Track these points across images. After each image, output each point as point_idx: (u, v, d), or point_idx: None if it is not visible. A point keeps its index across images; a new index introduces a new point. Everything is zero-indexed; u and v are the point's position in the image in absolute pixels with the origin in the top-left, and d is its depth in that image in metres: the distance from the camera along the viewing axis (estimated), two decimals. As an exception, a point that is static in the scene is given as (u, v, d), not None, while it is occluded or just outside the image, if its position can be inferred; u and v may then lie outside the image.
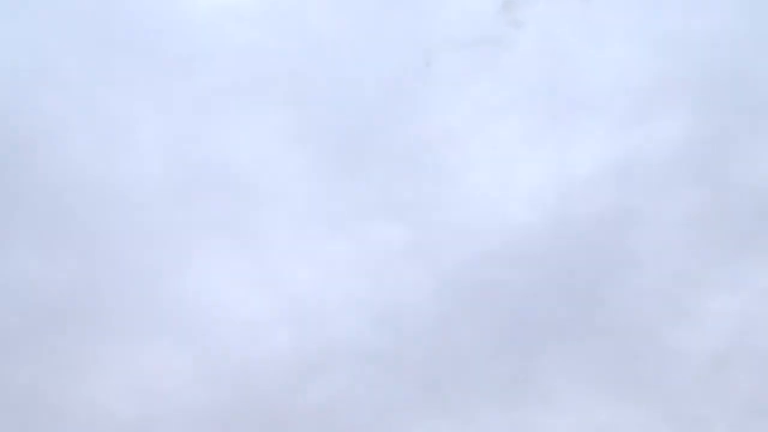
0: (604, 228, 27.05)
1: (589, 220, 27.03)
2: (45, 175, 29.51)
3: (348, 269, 28.22)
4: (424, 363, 28.57)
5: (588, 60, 23.13)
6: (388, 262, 28.70)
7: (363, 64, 26.19)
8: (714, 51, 21.57)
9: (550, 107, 26.12)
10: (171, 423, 27.17)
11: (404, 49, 25.72)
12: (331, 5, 24.67)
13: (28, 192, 28.51)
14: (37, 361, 26.73)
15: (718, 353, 26.80)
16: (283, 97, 29.39)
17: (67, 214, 28.26)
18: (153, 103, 30.30)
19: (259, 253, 28.14)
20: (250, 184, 29.32)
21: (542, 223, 26.79)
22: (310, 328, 27.51)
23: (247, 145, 30.02)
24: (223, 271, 28.03)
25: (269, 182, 28.80)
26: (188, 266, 28.77)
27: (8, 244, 27.98)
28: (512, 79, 25.54)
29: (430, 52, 24.18)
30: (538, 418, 28.41)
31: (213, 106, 30.61)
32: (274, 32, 25.55)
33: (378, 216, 27.55)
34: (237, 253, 28.67)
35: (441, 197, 28.52)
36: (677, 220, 25.23)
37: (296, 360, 27.61)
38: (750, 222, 22.73)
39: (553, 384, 27.65)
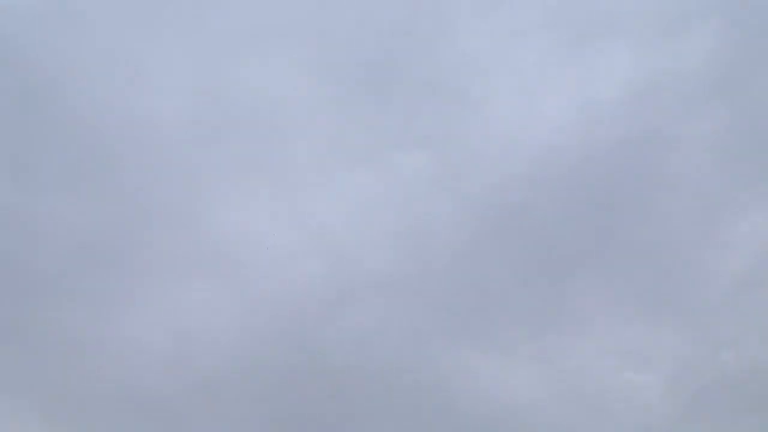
0: (630, 150, 26.24)
1: (615, 142, 26.13)
2: (74, 117, 29.05)
3: (374, 200, 27.86)
4: (453, 291, 28.04)
5: (611, -19, 21.83)
6: (413, 192, 28.13)
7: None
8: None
9: (572, 31, 25.17)
10: (207, 356, 27.12)
11: (425, -22, 24.46)
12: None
13: (59, 135, 28.24)
14: (75, 301, 26.87)
15: (747, 273, 26.08)
16: (305, 32, 28.55)
17: (96, 155, 28.03)
18: (178, 42, 29.53)
19: (287, 188, 27.75)
20: (275, 120, 28.69)
21: (568, 147, 25.98)
22: (340, 259, 27.39)
23: (271, 82, 29.35)
24: (253, 206, 27.68)
25: (294, 117, 28.19)
26: (219, 203, 28.27)
27: (41, 188, 27.83)
28: (534, 2, 24.67)
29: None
30: (569, 343, 27.80)
31: (236, 44, 29.72)
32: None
33: (402, 146, 27.01)
34: (265, 188, 28.23)
35: (465, 125, 27.74)
36: (704, 140, 24.54)
37: (327, 290, 27.51)
38: (778, 140, 21.58)
39: (583, 308, 27.07)
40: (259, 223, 29.85)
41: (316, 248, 30.60)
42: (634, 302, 27.12)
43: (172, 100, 31.13)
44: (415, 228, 31.36)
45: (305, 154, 31.44)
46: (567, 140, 25.51)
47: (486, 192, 31.01)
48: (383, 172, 32.11)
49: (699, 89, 26.10)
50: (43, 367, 27.84)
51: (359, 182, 31.87)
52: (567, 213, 27.14)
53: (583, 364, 28.24)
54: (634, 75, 25.23)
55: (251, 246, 30.27)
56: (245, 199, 29.63)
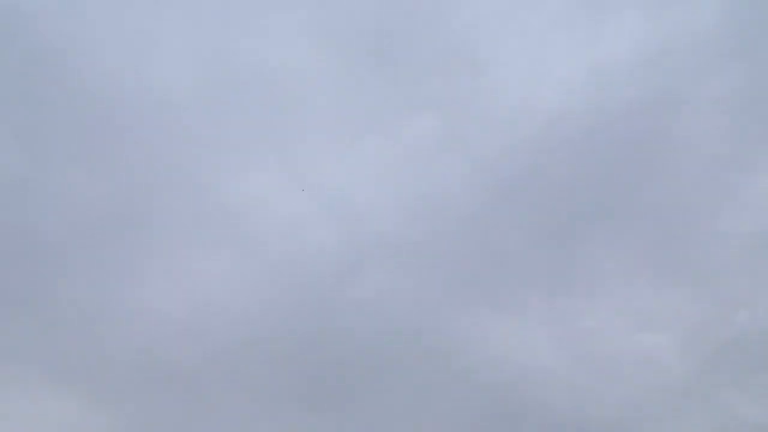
0: (642, 112, 25.83)
1: (627, 104, 25.74)
2: (83, 89, 28.77)
3: (384, 165, 27.53)
4: (465, 254, 27.83)
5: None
6: (423, 156, 27.83)
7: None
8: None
9: (582, -8, 24.21)
10: (222, 324, 27.13)
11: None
12: None
13: (67, 106, 28.08)
14: (89, 272, 26.89)
15: (761, 233, 25.77)
16: (312, 0, 27.80)
17: (106, 126, 27.85)
18: (185, 13, 29.05)
19: (297, 155, 27.51)
20: (283, 88, 28.38)
21: (578, 109, 25.64)
22: (352, 225, 27.18)
23: (279, 50, 29.00)
24: (263, 174, 27.45)
25: (302, 84, 27.81)
26: (229, 171, 28.04)
27: (51, 159, 27.71)
28: (542, -39, 23.79)
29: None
30: (582, 304, 27.66)
31: (244, 14, 29.25)
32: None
33: (411, 110, 26.68)
34: (275, 156, 28.01)
35: (474, 88, 27.32)
36: (717, 102, 24.07)
37: (341, 256, 27.38)
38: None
39: (595, 269, 26.79)
40: (269, 190, 29.88)
41: (327, 215, 30.71)
42: (647, 263, 26.99)
43: (180, 70, 31.00)
44: (426, 192, 31.34)
45: (314, 122, 31.33)
46: (578, 103, 25.24)
47: (496, 155, 30.86)
48: (392, 137, 32.06)
49: (712, 50, 25.60)
50: (58, 338, 28.13)
51: (369, 148, 31.85)
52: (578, 175, 26.94)
53: (595, 326, 28.27)
54: (645, 36, 24.79)
55: (263, 214, 30.35)
56: (256, 167, 29.62)
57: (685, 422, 28.46)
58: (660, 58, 24.76)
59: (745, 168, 25.71)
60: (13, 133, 29.63)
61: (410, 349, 31.63)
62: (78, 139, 30.88)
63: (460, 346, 31.70)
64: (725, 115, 24.04)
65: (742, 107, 23.92)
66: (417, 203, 31.03)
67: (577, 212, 26.67)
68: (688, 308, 26.61)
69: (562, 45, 24.19)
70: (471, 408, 29.07)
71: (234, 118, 31.56)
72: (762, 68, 22.29)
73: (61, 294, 28.85)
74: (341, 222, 29.82)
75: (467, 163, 31.06)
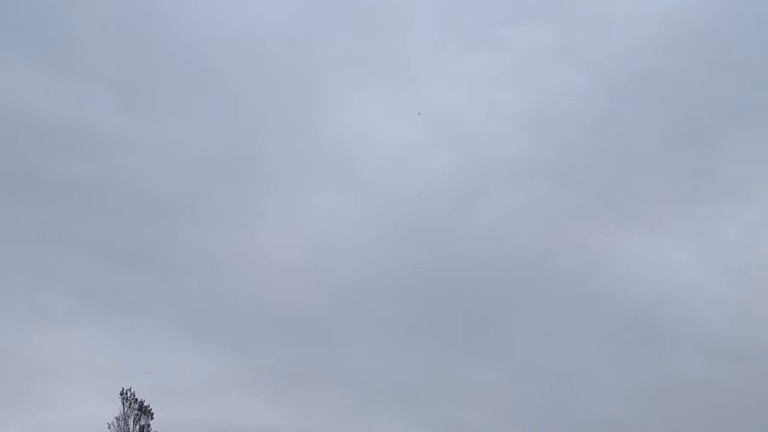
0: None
1: None
2: (177, 41, 27.69)
3: (494, 81, 25.52)
4: (591, 168, 25.60)
5: None
6: (535, 67, 25.55)
7: None
8: None
9: None
10: (343, 264, 25.95)
11: None
12: None
13: (164, 59, 27.28)
14: (205, 222, 26.24)
15: None
16: None
17: (203, 74, 26.91)
18: None
19: (402, 80, 25.84)
20: (379, 11, 26.38)
21: (701, 3, 22.68)
22: (467, 148, 25.38)
23: None
24: (368, 103, 25.84)
25: (399, 4, 25.82)
26: (332, 105, 26.67)
27: (154, 113, 26.90)
28: None
29: None
30: (725, 213, 25.01)
31: None
32: None
33: (518, 19, 24.43)
34: (379, 83, 26.34)
35: None
36: None
37: (459, 183, 25.59)
38: None
39: (738, 173, 24.12)
40: (376, 120, 28.78)
41: (441, 140, 29.52)
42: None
43: (270, 7, 29.94)
44: (542, 106, 29.51)
45: (416, 42, 29.78)
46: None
47: (613, 58, 28.55)
48: (499, 50, 30.21)
49: None
50: (184, 292, 28.40)
51: (477, 64, 30.16)
52: (704, 72, 24.50)
53: (741, 236, 25.83)
54: None
55: (373, 145, 29.42)
56: (359, 97, 28.67)
57: None
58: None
59: None
60: (111, 90, 29.78)
61: (538, 274, 30.32)
62: (177, 90, 30.70)
63: (592, 267, 30.04)
64: None
65: None
66: (534, 119, 29.43)
67: (708, 111, 24.31)
68: None
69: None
70: (609, 331, 27.52)
71: (331, 50, 30.64)
72: None
73: (180, 248, 29.05)
74: (456, 145, 28.62)
75: (584, 70, 28.98)
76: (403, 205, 27.49)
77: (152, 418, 26.80)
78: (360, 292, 27.45)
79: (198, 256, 27.26)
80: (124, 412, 26.51)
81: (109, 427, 26.52)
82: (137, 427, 26.51)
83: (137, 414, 26.64)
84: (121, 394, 26.87)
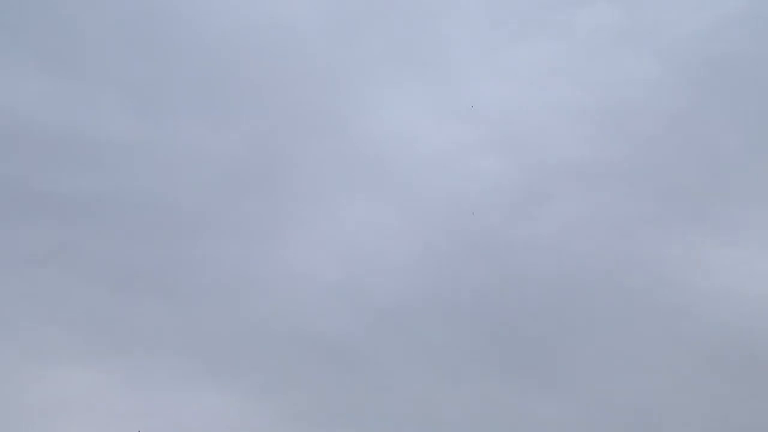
0: None
1: None
2: (194, 27, 24.53)
3: (552, 72, 21.98)
4: (668, 168, 22.06)
5: None
6: (598, 54, 22.02)
7: None
8: None
9: None
10: (382, 281, 22.39)
11: None
12: None
13: (179, 57, 24.08)
14: (227, 237, 23.14)
15: None
16: None
17: (225, 73, 23.75)
18: None
19: (445, 74, 22.44)
20: (419, 2, 22.82)
21: None
22: (522, 150, 21.79)
23: None
24: (408, 100, 22.38)
25: None
26: (369, 103, 23.17)
27: (171, 118, 23.65)
28: None
29: None
30: None
31: None
32: None
33: (578, 1, 20.93)
34: (419, 78, 22.77)
35: None
36: None
37: (515, 188, 22.04)
38: None
39: None
40: (418, 119, 25.73)
41: (492, 140, 26.11)
42: None
43: (304, 2, 26.99)
44: (608, 99, 26.11)
45: (460, 30, 26.76)
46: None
47: (692, 43, 25.43)
48: (558, 37, 27.08)
49: None
50: (206, 320, 24.97)
51: (532, 52, 26.89)
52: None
53: None
54: None
55: (414, 147, 26.16)
56: (398, 94, 25.58)
57: None
58: None
59: None
60: (120, 92, 26.70)
61: (609, 291, 26.79)
62: (196, 93, 27.66)
63: (669, 280, 26.59)
64: None
65: None
66: (598, 114, 26.09)
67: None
68: None
69: None
70: (694, 357, 24.01)
71: (368, 44, 27.54)
72: None
73: (199, 269, 25.83)
74: (509, 145, 25.37)
75: (653, 55, 25.75)
76: (450, 214, 24.45)
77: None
78: (404, 315, 24.27)
79: (220, 276, 24.27)
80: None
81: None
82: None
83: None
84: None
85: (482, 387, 24.52)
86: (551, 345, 25.60)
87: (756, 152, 22.87)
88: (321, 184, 25.08)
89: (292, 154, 24.88)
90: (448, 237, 24.19)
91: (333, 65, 24.25)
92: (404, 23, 24.69)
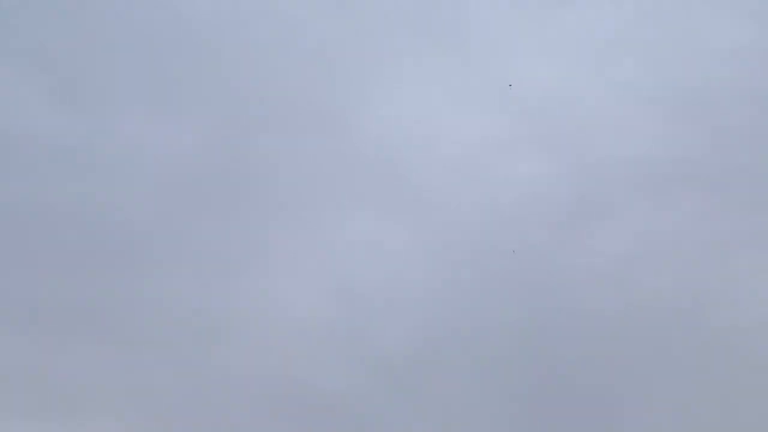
0: None
1: None
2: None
3: (609, 47, 17.77)
4: (764, 172, 19.65)
5: None
6: (672, 21, 18.00)
7: None
8: None
9: None
10: (398, 319, 19.48)
11: None
12: None
13: (123, 27, 19.60)
14: (193, 260, 20.29)
15: None
16: None
17: (178, 58, 19.50)
18: None
19: (470, 48, 18.18)
20: None
21: None
22: (570, 146, 16.72)
23: None
24: (425, 84, 17.80)
25: None
26: (375, 91, 17.80)
27: (113, 114, 18.60)
28: None
29: None
30: None
31: None
32: None
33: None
34: (439, 55, 18.29)
35: None
36: None
37: (563, 198, 17.71)
38: None
39: None
40: (436, 109, 21.74)
41: (533, 136, 22.19)
42: None
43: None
44: (689, 81, 22.13)
45: (484, 6, 23.11)
46: None
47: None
48: (616, 1, 23.60)
49: None
50: (152, 367, 20.37)
51: (581, 22, 23.41)
52: None
53: None
54: None
55: (430, 147, 22.39)
56: (410, 77, 22.18)
57: None
58: None
59: None
60: (43, 79, 22.07)
61: (687, 331, 22.51)
62: (143, 77, 23.57)
63: (749, 315, 22.89)
64: None
65: None
66: (678, 100, 21.98)
67: None
68: None
69: None
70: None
71: (371, 15, 23.58)
72: None
73: (154, 305, 21.51)
74: (557, 145, 21.28)
75: (748, 15, 21.88)
76: (480, 233, 20.38)
77: None
78: (415, 365, 20.47)
79: (179, 316, 20.29)
80: None
81: None
82: None
83: None
84: None
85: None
86: (611, 401, 21.30)
87: None
88: (311, 195, 21.27)
89: (273, 157, 21.00)
90: (475, 263, 20.00)
91: (327, 40, 20.26)
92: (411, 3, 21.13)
